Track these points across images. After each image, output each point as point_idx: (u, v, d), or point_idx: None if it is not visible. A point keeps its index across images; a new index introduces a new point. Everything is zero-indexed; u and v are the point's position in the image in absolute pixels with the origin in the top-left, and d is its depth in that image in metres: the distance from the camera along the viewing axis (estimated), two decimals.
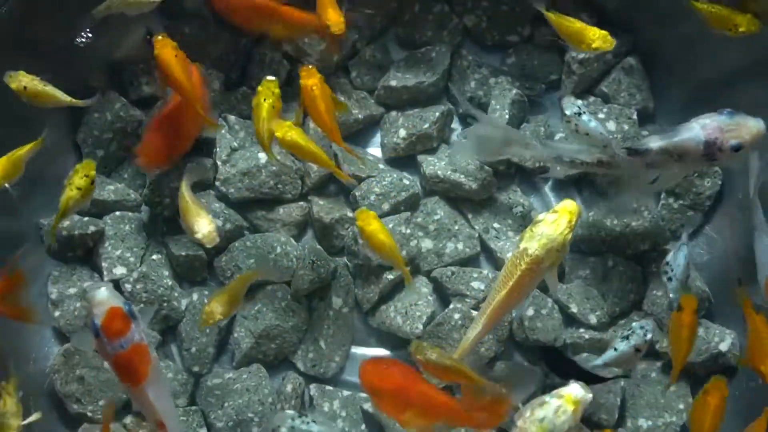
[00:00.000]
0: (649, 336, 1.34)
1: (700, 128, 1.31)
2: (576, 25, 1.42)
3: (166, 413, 1.26)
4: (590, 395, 1.24)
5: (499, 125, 1.48)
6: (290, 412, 1.36)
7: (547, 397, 1.24)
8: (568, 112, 1.43)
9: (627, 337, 1.35)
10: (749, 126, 1.29)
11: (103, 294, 1.25)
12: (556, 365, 1.39)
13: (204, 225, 1.39)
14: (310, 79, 1.37)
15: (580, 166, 1.41)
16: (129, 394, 1.35)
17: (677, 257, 1.39)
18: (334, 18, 1.40)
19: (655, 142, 1.33)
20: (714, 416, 1.29)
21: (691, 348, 1.33)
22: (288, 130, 1.35)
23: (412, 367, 1.30)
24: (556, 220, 1.26)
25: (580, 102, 1.47)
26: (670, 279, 1.39)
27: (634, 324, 1.37)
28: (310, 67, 1.38)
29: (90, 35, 1.46)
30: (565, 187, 1.60)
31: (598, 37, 1.39)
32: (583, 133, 1.41)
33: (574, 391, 1.24)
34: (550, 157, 1.42)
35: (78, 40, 1.47)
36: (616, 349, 1.35)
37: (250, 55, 1.61)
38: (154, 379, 1.25)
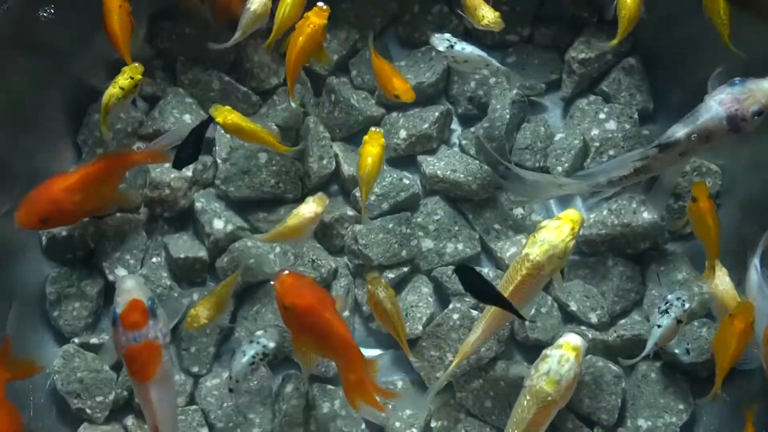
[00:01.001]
0: (687, 305, 1.35)
1: (717, 105, 1.31)
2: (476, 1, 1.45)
3: (165, 419, 1.24)
4: (584, 342, 1.30)
5: (527, 175, 1.46)
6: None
7: (547, 351, 1.27)
8: (441, 49, 1.43)
9: (666, 311, 1.35)
10: (764, 88, 1.31)
11: (129, 284, 1.26)
12: (472, 285, 1.38)
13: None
14: (316, 18, 1.39)
15: (620, 182, 1.41)
16: (135, 391, 1.34)
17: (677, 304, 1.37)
18: (401, 87, 1.43)
19: (681, 131, 1.34)
20: (740, 340, 1.29)
21: (719, 231, 1.34)
22: (227, 114, 1.38)
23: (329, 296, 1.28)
24: (559, 227, 1.26)
25: (447, 34, 1.45)
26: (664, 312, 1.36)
27: (669, 297, 1.37)
28: (325, 7, 1.41)
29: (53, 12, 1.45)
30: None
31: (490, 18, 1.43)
32: (462, 61, 1.42)
33: (571, 339, 1.28)
34: (590, 187, 1.43)
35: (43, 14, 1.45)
36: (659, 326, 1.35)
37: (250, 55, 1.61)
38: (161, 381, 1.24)
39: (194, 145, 1.35)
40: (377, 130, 1.39)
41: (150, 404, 1.23)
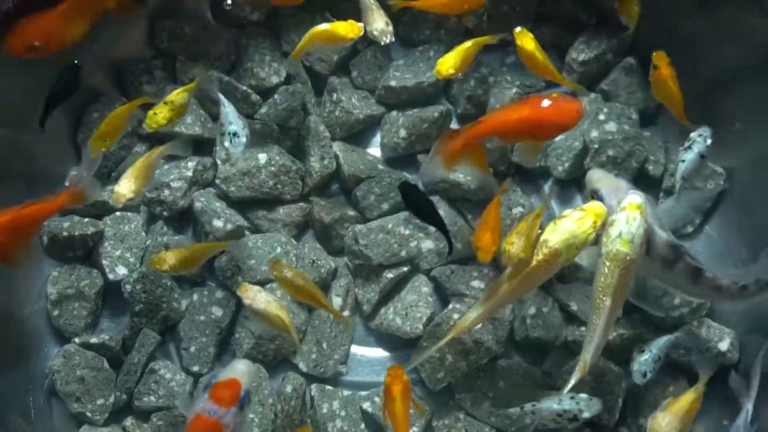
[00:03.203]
0: (709, 141, 1.37)
1: None
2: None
3: None
4: (644, 197, 1.28)
5: None
6: None
7: (612, 216, 1.26)
8: None
9: (690, 147, 1.37)
10: None
11: (243, 368, 1.24)
12: (414, 203, 1.38)
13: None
14: None
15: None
16: None
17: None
18: (485, 244, 1.36)
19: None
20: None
21: (680, 92, 1.39)
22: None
23: None
24: (582, 218, 1.25)
25: None
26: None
27: (692, 135, 1.39)
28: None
29: None
30: (565, 187, 1.60)
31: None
32: None
33: (632, 198, 1.27)
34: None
35: None
36: (683, 161, 1.37)
37: (251, 54, 1.61)
38: None
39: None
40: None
41: None
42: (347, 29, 1.39)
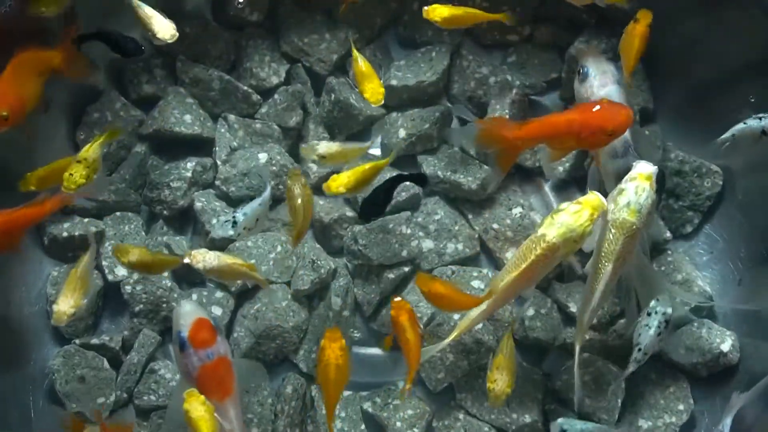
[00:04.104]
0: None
1: None
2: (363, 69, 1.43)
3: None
4: (654, 168, 1.29)
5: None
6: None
7: (622, 185, 1.28)
8: (231, 234, 1.36)
9: (760, 118, 1.38)
10: None
11: (188, 307, 1.27)
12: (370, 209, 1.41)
13: (164, 25, 1.38)
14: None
15: None
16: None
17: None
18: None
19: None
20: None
21: (641, 53, 1.39)
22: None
23: None
24: (579, 211, 1.25)
25: (221, 218, 1.47)
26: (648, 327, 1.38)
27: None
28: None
29: None
30: (565, 187, 1.60)
31: (374, 90, 1.41)
32: (255, 221, 1.36)
33: (643, 168, 1.28)
34: None
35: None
36: (745, 123, 1.38)
37: (250, 55, 1.61)
38: (237, 397, 1.24)
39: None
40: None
41: (231, 421, 1.22)
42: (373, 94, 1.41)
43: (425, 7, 1.41)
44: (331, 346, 1.27)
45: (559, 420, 1.35)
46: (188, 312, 1.26)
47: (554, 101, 1.64)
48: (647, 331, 1.36)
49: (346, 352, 1.28)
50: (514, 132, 1.33)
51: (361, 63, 1.43)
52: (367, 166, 1.36)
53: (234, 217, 1.34)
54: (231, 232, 1.35)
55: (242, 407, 1.31)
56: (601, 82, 1.41)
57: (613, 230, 1.26)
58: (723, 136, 1.39)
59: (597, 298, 1.27)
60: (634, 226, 1.25)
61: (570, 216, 1.24)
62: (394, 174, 1.45)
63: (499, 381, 1.31)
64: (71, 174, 1.31)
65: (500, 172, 1.45)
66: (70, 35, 1.41)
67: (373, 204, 1.40)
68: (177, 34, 1.38)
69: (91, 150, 1.34)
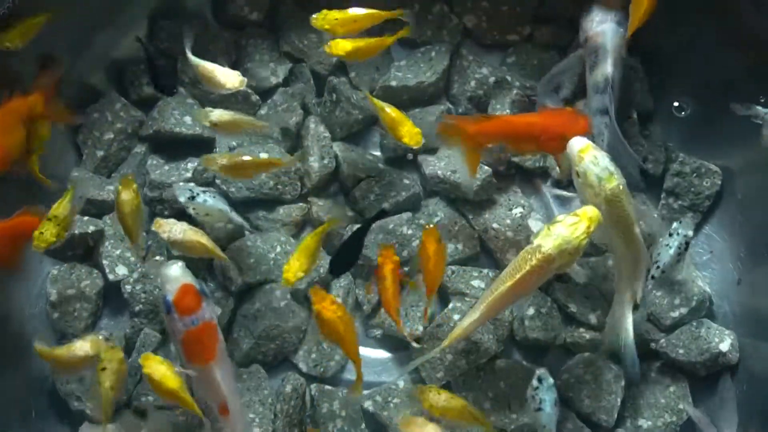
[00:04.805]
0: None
1: None
2: (392, 115, 1.42)
3: (232, 396, 1.27)
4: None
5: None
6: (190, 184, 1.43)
7: (578, 168, 1.27)
8: (181, 200, 1.41)
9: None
10: None
11: (176, 271, 1.28)
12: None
13: (230, 75, 1.40)
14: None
15: None
16: (192, 379, 1.31)
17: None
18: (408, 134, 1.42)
19: None
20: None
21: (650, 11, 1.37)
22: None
23: None
24: (576, 223, 1.25)
25: (191, 185, 1.45)
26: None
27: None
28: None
29: None
30: (565, 188, 1.60)
31: (411, 133, 1.41)
32: (204, 214, 1.41)
33: (578, 144, 1.28)
34: None
35: None
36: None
37: (251, 55, 1.61)
38: (222, 360, 1.27)
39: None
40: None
41: (216, 384, 1.25)
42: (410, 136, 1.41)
43: (329, 42, 1.40)
44: (324, 306, 1.29)
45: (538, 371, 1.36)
46: (176, 276, 1.27)
47: (554, 101, 1.64)
48: (667, 250, 1.41)
49: (340, 304, 1.30)
50: (473, 126, 1.35)
51: (388, 110, 1.43)
52: (310, 240, 1.35)
53: (199, 194, 1.38)
54: (181, 199, 1.40)
55: (231, 368, 1.33)
56: (601, 18, 1.43)
57: (614, 201, 1.26)
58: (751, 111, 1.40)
59: (641, 250, 1.29)
60: (620, 185, 1.25)
61: (566, 228, 1.24)
62: (356, 227, 1.45)
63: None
64: (42, 233, 1.32)
65: (471, 172, 1.44)
66: (47, 79, 1.41)
67: (343, 260, 1.41)
68: (245, 79, 1.40)
69: (62, 207, 1.35)
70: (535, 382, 1.36)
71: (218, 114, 1.39)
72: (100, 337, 1.34)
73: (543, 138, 1.32)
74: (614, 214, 1.27)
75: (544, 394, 1.35)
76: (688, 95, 1.57)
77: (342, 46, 1.40)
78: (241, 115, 1.42)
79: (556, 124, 1.31)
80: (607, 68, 1.41)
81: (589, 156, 1.26)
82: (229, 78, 1.39)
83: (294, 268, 1.33)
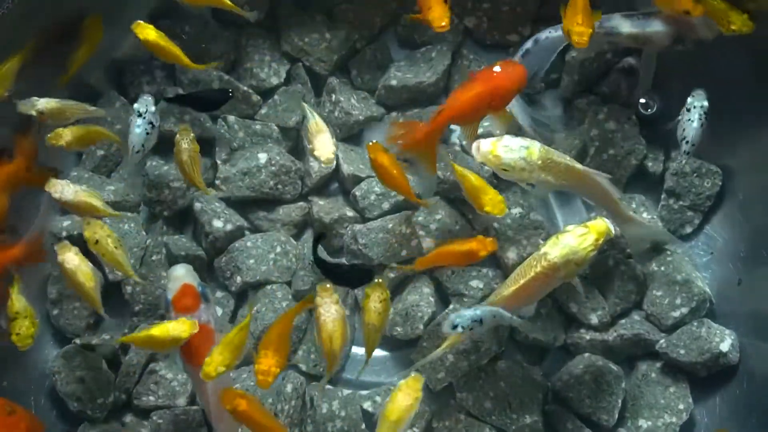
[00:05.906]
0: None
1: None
2: (474, 182, 1.37)
3: (218, 407, 1.24)
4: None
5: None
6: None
7: (502, 163, 1.29)
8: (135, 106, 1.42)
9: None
10: None
11: (180, 271, 1.30)
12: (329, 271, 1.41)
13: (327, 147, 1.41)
14: None
15: None
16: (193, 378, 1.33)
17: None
18: (437, 13, 1.37)
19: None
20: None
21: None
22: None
23: None
24: (584, 234, 1.26)
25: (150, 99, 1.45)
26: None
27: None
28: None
29: None
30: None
31: (494, 201, 1.35)
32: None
33: (484, 147, 1.30)
34: None
35: None
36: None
37: (250, 54, 1.61)
38: None
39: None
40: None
41: (204, 391, 1.26)
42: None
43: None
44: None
45: (451, 316, 1.29)
46: (178, 276, 1.30)
47: (554, 101, 1.64)
48: (691, 124, 1.41)
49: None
50: (424, 130, 1.34)
51: (472, 178, 1.36)
52: (234, 334, 1.25)
53: (149, 124, 1.40)
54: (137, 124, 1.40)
55: (228, 378, 1.33)
56: None
57: (562, 171, 1.30)
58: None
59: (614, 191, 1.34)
60: (549, 156, 1.28)
61: (575, 238, 1.25)
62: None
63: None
64: (18, 333, 1.31)
65: (431, 172, 1.43)
66: (27, 144, 1.41)
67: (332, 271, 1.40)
68: (334, 159, 1.41)
69: (16, 302, 1.33)
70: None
71: (44, 102, 1.38)
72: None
73: (494, 102, 1.32)
74: (556, 172, 1.29)
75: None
76: (688, 95, 1.56)
77: (148, 32, 1.39)
78: (70, 102, 1.41)
79: (502, 82, 1.32)
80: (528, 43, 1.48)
81: (500, 150, 1.28)
82: (325, 150, 1.41)
83: (216, 362, 1.22)
